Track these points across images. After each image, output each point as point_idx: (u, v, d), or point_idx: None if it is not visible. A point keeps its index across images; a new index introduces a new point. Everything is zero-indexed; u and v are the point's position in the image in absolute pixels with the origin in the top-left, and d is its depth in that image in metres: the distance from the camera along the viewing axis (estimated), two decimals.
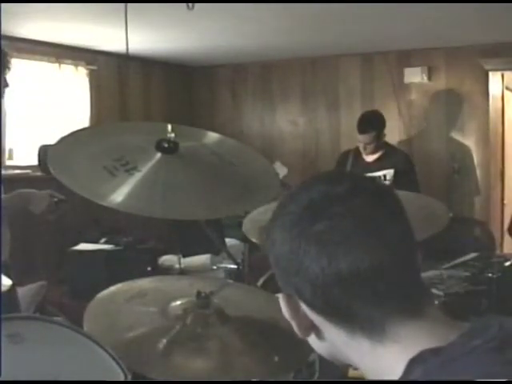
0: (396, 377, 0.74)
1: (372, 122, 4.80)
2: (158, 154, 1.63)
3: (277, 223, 0.84)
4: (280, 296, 0.84)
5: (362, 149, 4.84)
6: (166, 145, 1.64)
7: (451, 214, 2.38)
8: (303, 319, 0.83)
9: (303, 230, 0.80)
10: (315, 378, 2.02)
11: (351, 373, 2.14)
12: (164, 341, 1.51)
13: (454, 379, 0.69)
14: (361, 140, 4.79)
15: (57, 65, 5.45)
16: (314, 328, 0.83)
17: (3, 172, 4.12)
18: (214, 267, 4.06)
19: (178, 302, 1.63)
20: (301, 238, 0.79)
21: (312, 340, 0.86)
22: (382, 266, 0.77)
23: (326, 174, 0.90)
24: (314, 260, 0.78)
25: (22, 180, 5.00)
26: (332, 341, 0.82)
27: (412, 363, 0.73)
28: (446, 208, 2.40)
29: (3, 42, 2.29)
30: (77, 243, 4.72)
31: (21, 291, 3.48)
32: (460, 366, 0.70)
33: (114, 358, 1.33)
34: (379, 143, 4.79)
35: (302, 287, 0.80)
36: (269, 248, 0.85)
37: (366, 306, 0.77)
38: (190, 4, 3.57)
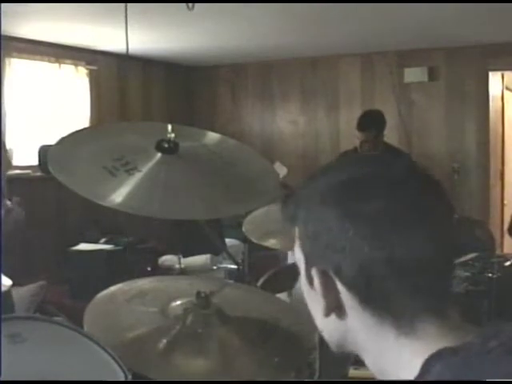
0: (411, 373, 0.72)
1: (372, 121, 4.78)
2: (158, 154, 1.63)
3: (320, 192, 0.79)
4: (313, 269, 0.80)
5: (358, 147, 4.82)
6: (166, 145, 1.63)
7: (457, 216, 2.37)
8: (332, 297, 0.79)
9: (355, 206, 0.75)
10: (315, 378, 2.02)
11: (351, 373, 2.15)
12: (164, 341, 1.51)
13: (474, 377, 0.69)
14: (359, 137, 4.77)
15: (57, 65, 5.45)
16: (338, 308, 0.80)
17: (7, 172, 4.12)
18: (214, 267, 4.07)
19: (178, 302, 1.63)
20: (352, 215, 0.75)
21: (326, 323, 0.82)
22: (431, 258, 0.75)
23: (382, 155, 0.87)
24: (364, 241, 0.74)
25: (22, 180, 5.02)
26: (352, 325, 0.80)
27: (430, 361, 0.72)
28: None
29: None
30: (77, 243, 4.73)
31: (21, 291, 3.48)
32: (479, 364, 0.70)
33: (113, 358, 1.33)
34: (377, 143, 4.77)
35: (344, 265, 0.76)
36: (305, 217, 0.81)
37: (404, 295, 0.75)
38: (190, 4, 3.57)
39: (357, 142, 4.80)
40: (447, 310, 0.78)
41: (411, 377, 0.73)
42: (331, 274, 0.78)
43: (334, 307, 0.80)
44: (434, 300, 0.77)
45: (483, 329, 0.76)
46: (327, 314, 0.81)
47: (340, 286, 0.78)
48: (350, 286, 0.77)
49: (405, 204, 0.76)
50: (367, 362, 0.81)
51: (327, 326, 0.83)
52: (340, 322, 0.81)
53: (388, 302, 0.76)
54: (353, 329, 0.80)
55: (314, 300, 0.82)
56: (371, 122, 4.76)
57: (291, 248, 0.88)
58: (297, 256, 0.85)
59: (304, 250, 0.82)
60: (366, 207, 0.75)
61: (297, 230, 0.83)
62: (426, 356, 0.72)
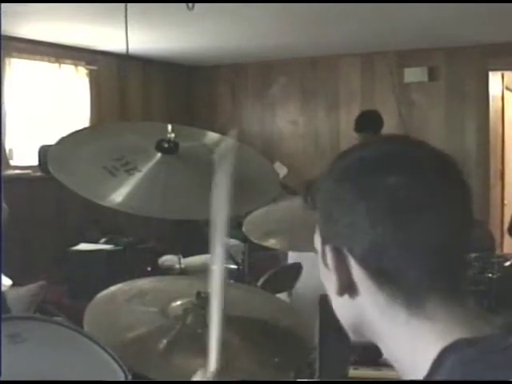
0: (426, 360, 0.71)
1: (369, 122, 4.79)
2: (158, 154, 1.63)
3: (339, 171, 0.79)
4: (327, 246, 0.79)
5: None
6: (166, 145, 1.64)
7: None
8: (345, 275, 0.78)
9: (373, 182, 0.75)
10: (315, 378, 2.02)
11: (351, 373, 2.15)
12: (164, 341, 1.51)
13: (487, 374, 0.67)
14: (356, 139, 4.78)
15: (57, 65, 5.45)
16: (351, 288, 0.79)
17: (3, 172, 4.12)
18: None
19: (178, 302, 1.63)
20: (369, 189, 0.74)
21: (340, 303, 0.82)
22: (445, 241, 0.75)
23: (405, 136, 0.85)
24: (379, 216, 0.74)
25: (22, 180, 5.02)
26: (365, 306, 0.79)
27: (445, 352, 0.70)
28: None
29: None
30: (77, 243, 4.73)
31: (21, 291, 3.48)
32: (498, 359, 0.68)
33: (113, 358, 1.33)
34: None
35: (357, 242, 0.76)
36: (322, 198, 0.81)
37: (415, 275, 0.74)
38: (190, 4, 3.57)
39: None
40: (462, 295, 0.76)
41: (426, 366, 0.71)
42: (344, 250, 0.78)
43: (347, 285, 0.79)
44: (446, 283, 0.76)
45: (503, 321, 0.74)
46: (340, 292, 0.80)
47: (352, 263, 0.77)
48: (361, 263, 0.76)
49: (422, 184, 0.75)
50: (383, 350, 0.79)
51: (342, 308, 0.82)
52: (353, 302, 0.80)
53: (399, 280, 0.75)
54: (365, 309, 0.79)
55: (328, 280, 0.81)
56: (368, 123, 4.77)
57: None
58: (315, 241, 0.84)
59: (321, 231, 0.82)
60: (381, 182, 0.74)
61: (317, 215, 0.83)
62: (441, 344, 0.71)
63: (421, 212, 0.74)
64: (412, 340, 0.75)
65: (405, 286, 0.75)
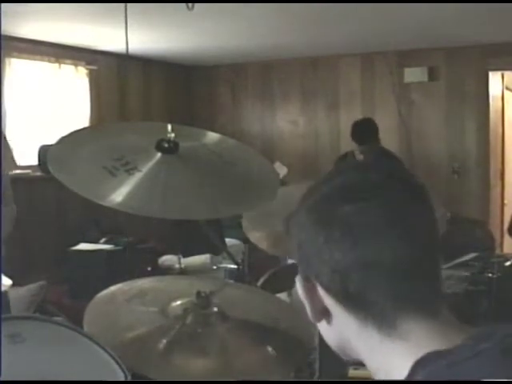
0: (402, 377, 0.73)
1: (367, 132, 4.83)
2: (158, 154, 1.63)
3: (305, 205, 0.83)
4: (297, 277, 0.84)
5: (358, 157, 4.87)
6: (166, 145, 1.64)
7: (449, 215, 2.37)
8: (318, 303, 0.82)
9: (330, 212, 0.79)
10: (315, 378, 2.02)
11: (351, 373, 2.15)
12: (164, 341, 1.51)
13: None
14: (358, 150, 4.82)
15: (57, 65, 5.45)
16: (326, 314, 0.82)
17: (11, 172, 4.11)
18: (214, 267, 4.07)
19: (178, 302, 1.63)
20: (327, 219, 0.78)
21: (323, 328, 0.85)
22: (406, 259, 0.76)
23: (363, 163, 0.89)
24: (336, 243, 0.77)
25: (21, 180, 5.02)
26: (341, 329, 0.81)
27: (416, 366, 0.72)
28: (444, 211, 2.40)
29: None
30: (77, 243, 4.72)
31: (21, 291, 3.48)
32: (464, 369, 0.69)
33: (113, 358, 1.33)
34: (376, 148, 4.81)
35: (321, 270, 0.79)
36: (294, 231, 0.84)
37: (381, 296, 0.76)
38: (190, 4, 3.57)
39: (356, 154, 4.88)
40: (437, 310, 0.78)
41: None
42: (312, 278, 0.81)
43: (320, 312, 0.82)
44: (417, 301, 0.77)
45: (477, 330, 0.75)
46: (315, 319, 0.83)
47: (321, 291, 0.81)
48: (328, 290, 0.80)
49: (380, 206, 0.78)
50: (366, 364, 0.81)
51: (325, 332, 0.86)
52: (331, 327, 0.83)
53: (366, 303, 0.77)
54: (343, 333, 0.82)
55: (306, 308, 0.84)
56: (366, 133, 4.81)
57: (287, 252, 0.90)
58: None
59: (297, 262, 0.86)
60: (337, 212, 0.78)
61: (293, 241, 0.86)
62: (415, 360, 0.72)
63: (377, 234, 0.77)
64: (387, 358, 0.77)
65: (373, 307, 0.77)
